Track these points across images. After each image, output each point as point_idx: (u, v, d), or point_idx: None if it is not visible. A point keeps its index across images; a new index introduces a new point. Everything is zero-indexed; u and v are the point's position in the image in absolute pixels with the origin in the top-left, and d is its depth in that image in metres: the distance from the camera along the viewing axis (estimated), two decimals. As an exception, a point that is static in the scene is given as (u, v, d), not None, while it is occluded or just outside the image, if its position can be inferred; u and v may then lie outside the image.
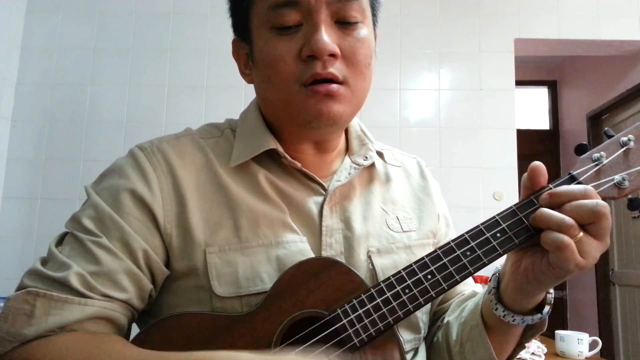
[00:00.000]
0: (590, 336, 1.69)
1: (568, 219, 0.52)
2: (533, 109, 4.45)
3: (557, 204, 0.54)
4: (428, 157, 2.35)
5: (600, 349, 1.72)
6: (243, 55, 0.69)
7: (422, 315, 0.67)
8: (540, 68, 4.34)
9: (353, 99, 0.63)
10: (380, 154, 0.75)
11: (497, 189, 2.32)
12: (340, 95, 0.61)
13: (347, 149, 0.74)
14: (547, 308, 0.59)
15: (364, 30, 0.63)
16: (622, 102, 3.27)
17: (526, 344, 0.65)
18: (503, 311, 0.59)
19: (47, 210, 2.27)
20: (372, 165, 0.73)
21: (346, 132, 0.75)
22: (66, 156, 2.33)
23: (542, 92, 4.49)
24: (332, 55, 0.59)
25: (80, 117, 2.36)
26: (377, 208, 0.71)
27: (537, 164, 0.57)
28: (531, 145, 3.91)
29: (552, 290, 0.60)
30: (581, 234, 0.52)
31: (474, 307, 0.65)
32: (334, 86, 0.60)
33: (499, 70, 2.43)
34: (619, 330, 3.33)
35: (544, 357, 1.62)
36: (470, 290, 0.74)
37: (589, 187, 0.54)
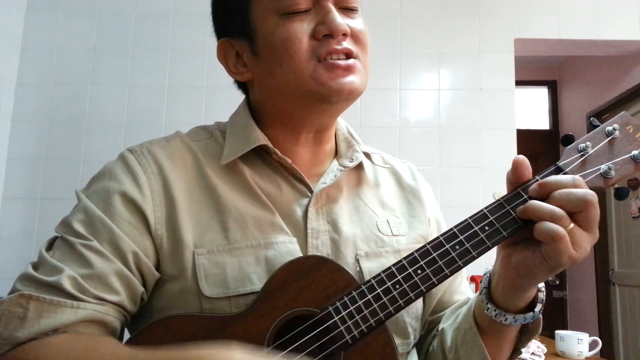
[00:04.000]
0: (590, 336, 1.69)
1: (558, 210, 0.52)
2: (533, 109, 4.45)
3: (547, 194, 0.54)
4: (428, 157, 2.35)
5: (600, 349, 1.72)
6: (232, 56, 0.69)
7: (410, 320, 0.67)
8: (540, 68, 4.34)
9: (365, 74, 0.66)
10: (367, 155, 0.76)
11: (497, 189, 2.32)
12: (357, 69, 0.64)
13: (336, 153, 0.75)
14: (539, 306, 0.59)
15: (361, 19, 0.67)
16: (622, 102, 3.27)
17: (522, 349, 0.65)
18: (494, 310, 0.59)
19: (47, 210, 2.26)
20: (361, 168, 0.74)
21: (335, 135, 0.76)
22: (66, 156, 2.33)
23: (542, 92, 4.49)
24: (344, 35, 0.63)
25: (80, 117, 2.36)
26: (367, 211, 0.71)
27: (520, 157, 0.57)
28: (531, 145, 3.91)
29: (543, 289, 0.60)
30: (572, 224, 0.52)
31: (467, 311, 0.65)
32: (352, 61, 0.63)
33: (499, 70, 2.43)
34: (619, 330, 3.33)
35: (543, 357, 1.62)
36: (465, 297, 0.74)
37: (577, 176, 0.55)
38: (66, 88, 2.39)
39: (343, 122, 0.78)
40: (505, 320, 0.59)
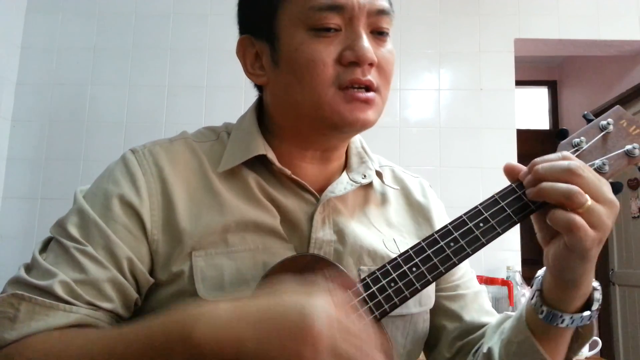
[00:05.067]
0: (590, 336, 1.69)
1: (575, 187, 0.50)
2: (533, 109, 4.45)
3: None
4: (428, 157, 2.35)
5: (600, 349, 1.72)
6: (251, 55, 0.67)
7: (404, 341, 0.65)
8: (540, 68, 4.34)
9: (382, 107, 0.64)
10: (379, 175, 0.73)
11: (497, 189, 2.31)
12: (375, 103, 0.62)
13: (346, 165, 0.72)
14: (595, 305, 0.57)
15: (391, 44, 0.65)
16: (622, 102, 3.26)
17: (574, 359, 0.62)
18: (550, 312, 0.56)
19: (47, 210, 2.26)
20: (370, 186, 0.72)
21: (347, 147, 0.74)
22: (66, 156, 2.33)
23: (542, 92, 4.49)
24: (371, 64, 0.60)
25: (80, 117, 2.36)
26: (372, 229, 0.69)
27: (506, 166, 0.58)
28: (531, 145, 3.90)
29: (599, 287, 0.58)
30: (589, 202, 0.50)
31: (517, 322, 0.61)
32: (372, 94, 0.61)
33: (499, 70, 2.43)
34: (619, 330, 3.33)
35: (543, 357, 1.62)
36: (503, 315, 0.69)
37: (565, 152, 0.55)
38: (66, 88, 2.39)
39: (358, 137, 0.75)
40: (562, 323, 0.56)
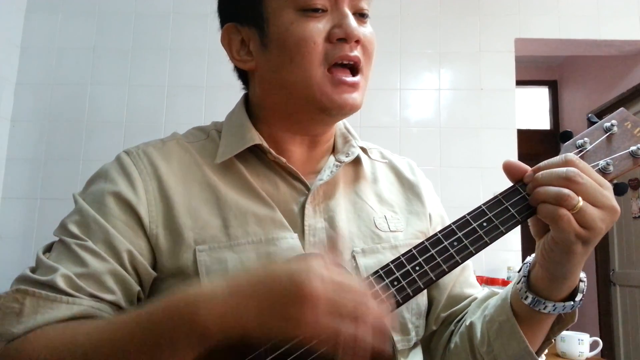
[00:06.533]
0: (590, 336, 1.69)
1: (564, 190, 0.52)
2: (533, 109, 4.45)
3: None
4: (428, 157, 2.35)
5: (601, 350, 1.72)
6: (236, 42, 0.69)
7: (410, 317, 0.67)
8: (540, 68, 4.33)
9: (365, 88, 0.67)
10: (364, 150, 0.76)
11: (497, 189, 2.30)
12: (361, 86, 0.65)
13: (334, 149, 0.75)
14: (579, 296, 0.59)
15: (370, 26, 0.68)
16: (623, 102, 3.26)
17: (553, 339, 0.64)
18: (534, 298, 0.58)
19: (47, 210, 2.26)
20: (358, 164, 0.74)
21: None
22: (66, 156, 2.32)
23: (543, 92, 4.49)
24: (357, 41, 0.64)
25: (80, 117, 2.36)
26: (365, 207, 0.71)
27: (505, 163, 0.59)
28: (531, 145, 3.90)
29: (585, 279, 0.60)
30: (580, 203, 0.51)
31: (501, 302, 0.64)
32: (357, 78, 0.64)
33: (499, 70, 2.43)
34: (620, 331, 3.33)
35: (544, 357, 1.62)
36: (488, 290, 0.73)
37: (569, 154, 0.55)
38: (66, 88, 2.39)
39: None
40: (544, 309, 0.58)
